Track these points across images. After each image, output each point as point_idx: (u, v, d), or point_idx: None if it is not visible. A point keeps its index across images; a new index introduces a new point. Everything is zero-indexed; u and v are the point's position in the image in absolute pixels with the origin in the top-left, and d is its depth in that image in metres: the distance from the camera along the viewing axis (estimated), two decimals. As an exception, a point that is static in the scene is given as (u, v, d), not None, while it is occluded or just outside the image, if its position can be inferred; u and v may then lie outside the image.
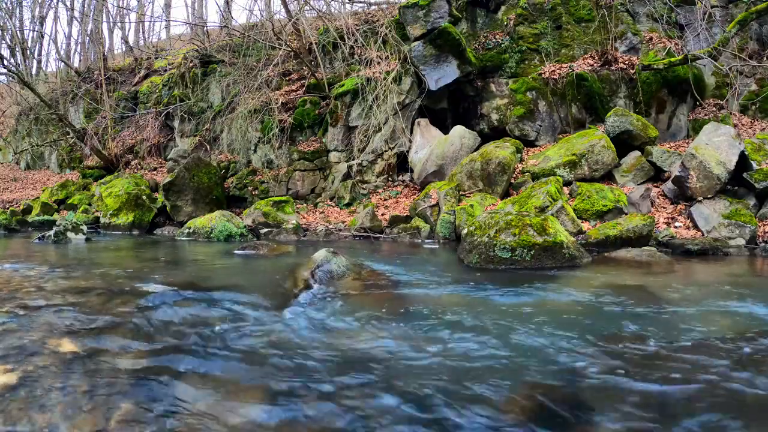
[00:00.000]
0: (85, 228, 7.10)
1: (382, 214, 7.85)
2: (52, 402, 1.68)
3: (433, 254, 5.62)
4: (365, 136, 9.00)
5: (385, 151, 8.90)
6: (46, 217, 9.87)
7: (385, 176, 8.93)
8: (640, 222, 5.57)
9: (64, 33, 41.69)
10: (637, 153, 7.25)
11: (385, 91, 8.75)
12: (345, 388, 1.86)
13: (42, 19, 18.37)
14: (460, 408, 1.70)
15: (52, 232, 6.67)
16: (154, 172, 11.63)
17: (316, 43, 10.31)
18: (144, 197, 9.03)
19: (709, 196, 6.09)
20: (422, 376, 1.97)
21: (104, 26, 18.04)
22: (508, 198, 6.90)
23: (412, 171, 8.67)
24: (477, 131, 8.64)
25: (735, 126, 7.67)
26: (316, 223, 8.12)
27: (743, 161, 6.16)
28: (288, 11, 11.06)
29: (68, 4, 18.64)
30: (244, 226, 7.39)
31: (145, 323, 2.56)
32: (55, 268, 4.28)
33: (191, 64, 12.43)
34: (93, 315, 2.67)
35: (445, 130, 8.70)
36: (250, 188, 9.67)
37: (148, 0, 23.76)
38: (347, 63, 10.12)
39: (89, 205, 10.02)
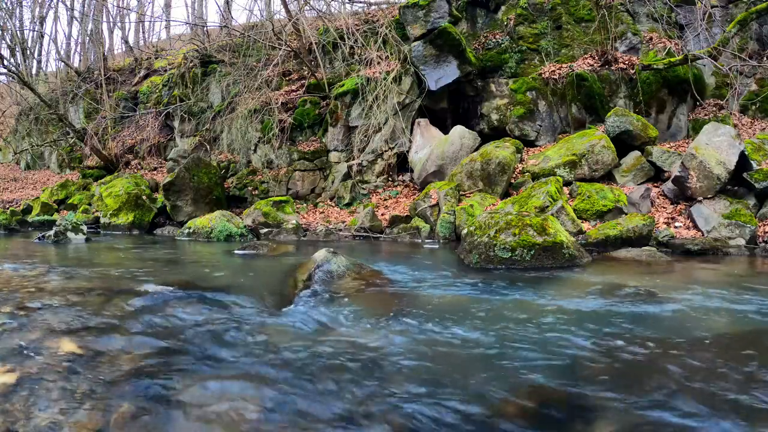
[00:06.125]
0: (85, 228, 7.10)
1: (382, 214, 7.85)
2: (52, 402, 1.68)
3: (433, 254, 5.62)
4: (365, 136, 8.99)
5: (385, 151, 8.90)
6: (46, 217, 9.87)
7: (385, 176, 8.93)
8: (640, 222, 5.57)
9: (64, 33, 41.69)
10: (637, 153, 7.24)
11: (385, 91, 8.75)
12: (342, 387, 1.85)
13: (42, 19, 18.37)
14: (456, 407, 1.70)
15: (52, 232, 6.66)
16: (154, 172, 11.63)
17: (316, 43, 10.30)
18: (144, 197, 9.03)
19: (709, 196, 6.09)
20: (420, 374, 1.97)
21: (104, 26, 18.05)
22: (508, 198, 6.90)
23: (412, 171, 8.67)
24: (477, 131, 8.63)
25: (735, 126, 7.67)
26: (316, 223, 8.12)
27: (743, 161, 6.15)
28: (288, 11, 11.05)
29: (68, 4, 18.64)
30: (244, 226, 7.40)
31: (145, 323, 2.56)
32: (55, 268, 4.28)
33: (191, 64, 12.43)
34: (93, 315, 2.67)
35: (445, 130, 8.70)
36: (250, 188, 9.66)
37: (148, 0, 23.75)
38: (347, 63, 10.11)
39: (89, 205, 10.01)
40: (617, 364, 2.09)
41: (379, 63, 9.09)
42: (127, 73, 15.20)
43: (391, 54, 9.23)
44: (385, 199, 8.53)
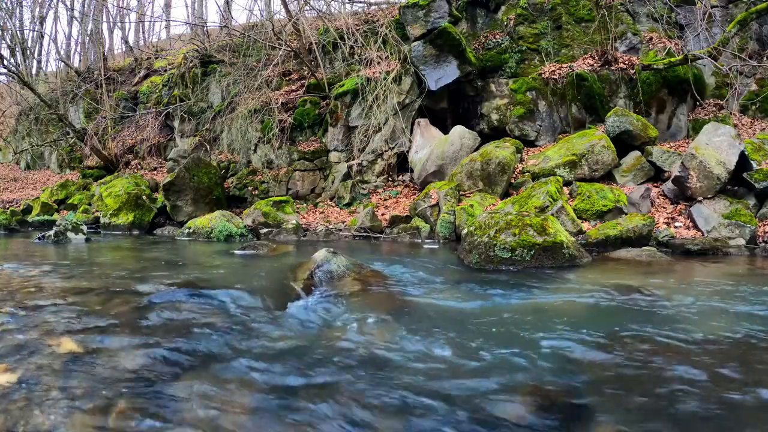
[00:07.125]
0: (85, 228, 7.09)
1: (382, 214, 7.85)
2: (52, 402, 1.68)
3: (433, 254, 5.62)
4: (365, 136, 8.99)
5: (385, 151, 8.90)
6: (46, 217, 9.86)
7: (385, 176, 8.93)
8: (640, 222, 5.57)
9: (64, 33, 41.73)
10: (637, 153, 7.24)
11: (385, 91, 8.75)
12: (340, 386, 1.86)
13: (42, 19, 18.37)
14: (455, 408, 1.70)
15: (52, 232, 6.66)
16: (154, 172, 11.63)
17: (316, 43, 10.30)
18: (144, 197, 9.03)
19: (709, 196, 6.09)
20: (418, 374, 1.97)
21: (104, 26, 18.05)
22: (508, 198, 6.90)
23: (412, 171, 8.67)
24: (477, 131, 8.63)
25: (735, 126, 7.67)
26: (316, 223, 8.12)
27: (743, 161, 6.16)
28: (288, 11, 11.05)
29: (68, 4, 18.64)
30: (244, 226, 7.39)
31: (145, 323, 2.56)
32: (55, 268, 4.28)
33: (191, 64, 12.43)
34: (93, 315, 2.67)
35: (445, 130, 8.70)
36: (250, 188, 9.67)
37: (148, 0, 23.77)
38: (347, 63, 10.11)
39: (89, 205, 10.01)
40: (617, 365, 2.09)
41: (379, 63, 9.09)
42: (127, 73, 15.20)
43: (391, 54, 9.23)
44: (385, 199, 8.53)
